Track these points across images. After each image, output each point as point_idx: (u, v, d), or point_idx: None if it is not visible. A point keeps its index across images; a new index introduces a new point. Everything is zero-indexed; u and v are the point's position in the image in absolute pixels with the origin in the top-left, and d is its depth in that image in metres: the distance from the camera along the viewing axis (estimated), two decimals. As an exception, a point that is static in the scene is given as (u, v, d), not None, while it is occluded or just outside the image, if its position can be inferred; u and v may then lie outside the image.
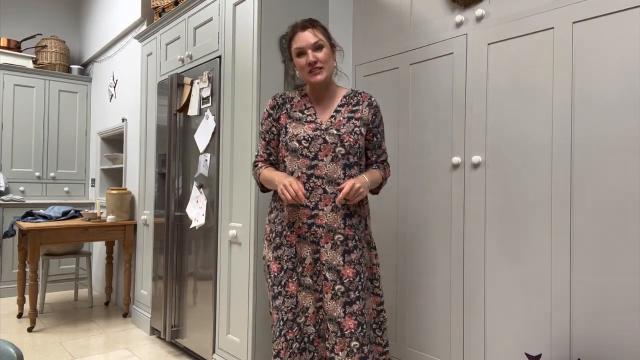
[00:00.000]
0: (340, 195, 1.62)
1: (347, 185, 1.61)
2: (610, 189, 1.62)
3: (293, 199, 1.59)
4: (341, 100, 1.81)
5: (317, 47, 1.71)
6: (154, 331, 3.29)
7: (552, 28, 1.77)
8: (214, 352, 2.57)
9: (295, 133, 1.74)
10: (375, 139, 1.84)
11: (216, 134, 2.58)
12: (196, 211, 2.71)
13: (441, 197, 2.15)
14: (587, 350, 1.67)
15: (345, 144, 1.71)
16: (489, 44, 1.98)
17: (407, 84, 2.33)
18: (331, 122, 1.76)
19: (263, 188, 1.88)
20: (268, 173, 1.78)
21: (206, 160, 2.65)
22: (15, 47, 4.70)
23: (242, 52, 2.41)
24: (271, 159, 1.85)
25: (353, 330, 1.66)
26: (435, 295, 2.17)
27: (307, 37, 1.71)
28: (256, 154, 1.89)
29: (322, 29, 1.76)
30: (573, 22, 1.72)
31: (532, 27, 1.83)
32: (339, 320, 1.67)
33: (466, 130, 2.06)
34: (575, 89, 1.71)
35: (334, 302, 1.68)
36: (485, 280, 1.98)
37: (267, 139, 1.84)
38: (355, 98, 1.82)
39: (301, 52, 1.73)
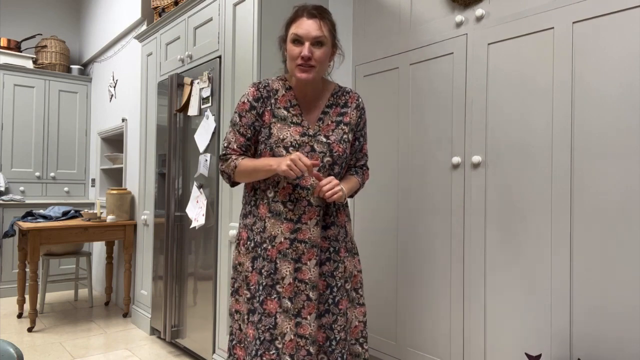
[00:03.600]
0: (317, 175, 1.50)
1: (328, 178, 1.51)
2: (611, 189, 1.62)
3: (302, 171, 1.43)
4: (329, 100, 1.66)
5: (317, 42, 1.52)
6: (154, 331, 3.29)
7: (552, 28, 1.77)
8: (214, 352, 2.57)
9: (282, 137, 1.57)
10: (357, 143, 1.71)
11: (216, 134, 2.58)
12: (196, 211, 2.71)
13: (441, 197, 2.15)
14: (587, 350, 1.67)
15: (335, 154, 1.59)
16: (489, 44, 1.98)
17: (407, 84, 2.33)
18: (319, 126, 1.62)
19: (234, 182, 1.66)
20: (249, 162, 1.56)
21: (206, 160, 2.65)
22: (15, 47, 4.70)
23: (242, 52, 2.41)
24: (248, 154, 1.65)
25: (321, 344, 1.57)
26: (435, 295, 2.17)
27: (311, 27, 1.51)
28: (226, 145, 1.64)
29: (330, 23, 1.57)
30: (573, 22, 1.72)
31: (532, 27, 1.83)
32: (317, 338, 1.57)
33: (466, 130, 2.06)
34: (575, 89, 1.71)
35: (317, 322, 1.56)
36: (485, 280, 1.98)
37: (247, 135, 1.61)
38: (344, 98, 1.68)
39: (297, 40, 1.53)
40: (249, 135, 1.62)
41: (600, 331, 1.64)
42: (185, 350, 2.96)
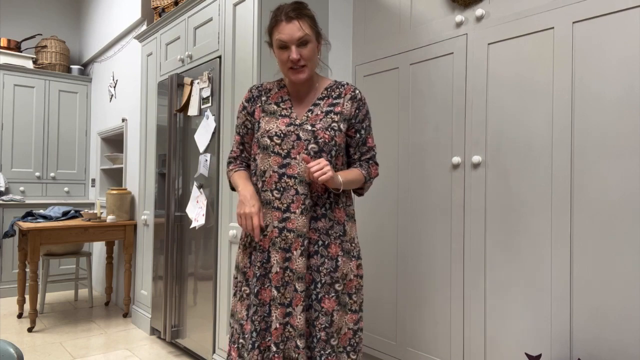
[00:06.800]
0: (305, 158, 1.49)
1: (318, 160, 1.48)
2: (611, 189, 1.62)
3: (247, 229, 1.53)
4: (322, 93, 1.65)
5: (302, 42, 1.54)
6: (154, 331, 3.29)
7: (552, 28, 1.77)
8: (214, 352, 2.57)
9: (267, 129, 1.59)
10: (358, 135, 1.65)
11: (216, 134, 2.58)
12: (196, 211, 2.71)
13: (441, 197, 2.15)
14: (587, 350, 1.67)
15: (319, 140, 1.56)
16: (489, 44, 1.98)
17: (407, 84, 2.33)
18: (307, 116, 1.61)
19: (233, 188, 1.77)
20: (237, 179, 1.67)
21: (206, 160, 2.65)
22: (15, 47, 4.70)
23: (242, 52, 2.41)
24: (243, 155, 1.74)
25: (307, 338, 1.56)
26: (435, 295, 2.17)
27: (292, 30, 1.52)
28: (231, 149, 1.79)
29: (309, 19, 1.57)
30: (573, 22, 1.72)
31: (532, 27, 1.83)
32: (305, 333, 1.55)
33: (466, 130, 2.06)
34: (576, 89, 1.71)
35: (304, 315, 1.54)
36: (485, 280, 1.98)
37: (241, 134, 1.73)
38: (338, 90, 1.66)
39: (283, 46, 1.55)
40: (242, 133, 1.73)
41: (600, 331, 1.64)
42: (185, 350, 2.96)
